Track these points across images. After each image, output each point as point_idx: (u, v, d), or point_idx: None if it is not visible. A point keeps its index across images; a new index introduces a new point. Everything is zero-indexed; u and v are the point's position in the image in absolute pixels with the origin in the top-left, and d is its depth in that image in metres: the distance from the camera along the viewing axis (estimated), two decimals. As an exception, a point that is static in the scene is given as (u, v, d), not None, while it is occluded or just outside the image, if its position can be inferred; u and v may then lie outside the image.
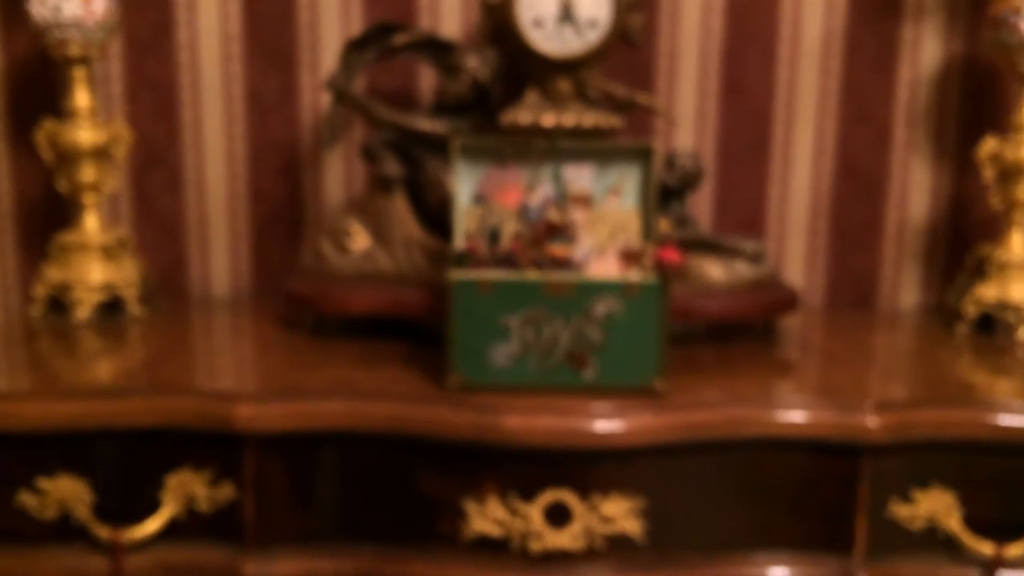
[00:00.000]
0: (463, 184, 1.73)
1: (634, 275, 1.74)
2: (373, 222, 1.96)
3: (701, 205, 2.25)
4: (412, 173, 1.95)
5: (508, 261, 1.79)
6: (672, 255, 1.71)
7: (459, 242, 1.84)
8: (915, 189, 2.25)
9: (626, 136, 1.87)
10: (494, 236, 1.84)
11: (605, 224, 1.93)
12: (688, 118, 2.23)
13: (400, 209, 1.96)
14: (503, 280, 1.70)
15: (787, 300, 2.11)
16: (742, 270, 2.07)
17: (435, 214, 1.89)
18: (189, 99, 2.22)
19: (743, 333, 2.13)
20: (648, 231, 1.89)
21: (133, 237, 2.18)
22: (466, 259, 1.74)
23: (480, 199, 1.75)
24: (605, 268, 1.78)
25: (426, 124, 1.92)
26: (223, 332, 2.05)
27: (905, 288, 2.29)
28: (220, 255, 2.30)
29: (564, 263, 1.77)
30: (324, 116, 2.10)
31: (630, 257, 1.81)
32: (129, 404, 1.47)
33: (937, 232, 2.26)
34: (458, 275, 1.69)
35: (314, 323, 1.92)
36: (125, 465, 1.53)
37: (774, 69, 2.20)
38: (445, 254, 1.69)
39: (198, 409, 1.46)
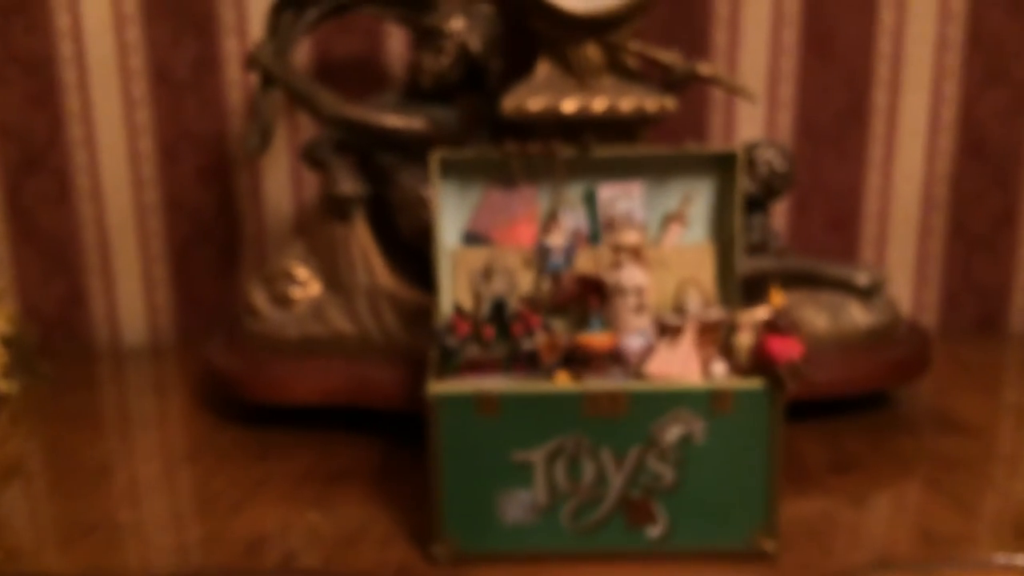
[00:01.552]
0: (448, 216, 1.31)
1: (721, 372, 1.15)
2: (324, 261, 1.51)
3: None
4: (378, 188, 1.49)
5: (524, 353, 1.18)
6: (788, 347, 1.05)
7: (443, 316, 1.24)
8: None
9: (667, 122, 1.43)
10: (499, 307, 1.17)
11: (667, 272, 1.32)
12: (757, 82, 1.84)
13: (360, 243, 1.48)
14: (517, 393, 1.10)
15: (918, 358, 1.54)
16: (855, 316, 1.54)
17: (414, 247, 1.43)
18: (73, 79, 1.80)
19: (858, 404, 1.56)
20: (729, 281, 1.30)
21: (6, 269, 1.88)
22: (454, 349, 1.09)
23: (475, 237, 1.32)
24: (675, 359, 1.12)
25: (393, 118, 1.44)
26: (118, 424, 1.57)
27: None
28: (130, 289, 1.91)
29: (603, 356, 1.11)
30: (250, 102, 1.71)
31: (709, 333, 1.13)
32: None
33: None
34: (441, 386, 1.09)
35: (248, 410, 1.48)
36: None
37: (874, 14, 1.80)
38: (428, 310, 1.27)
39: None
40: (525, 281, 1.33)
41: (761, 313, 1.15)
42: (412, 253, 1.42)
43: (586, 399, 1.11)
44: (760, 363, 1.13)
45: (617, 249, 1.23)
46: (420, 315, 1.38)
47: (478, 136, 1.48)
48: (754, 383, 1.12)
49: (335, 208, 1.47)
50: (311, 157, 1.50)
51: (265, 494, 1.28)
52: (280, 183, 1.87)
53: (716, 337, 1.23)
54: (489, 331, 1.16)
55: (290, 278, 1.51)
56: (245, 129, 1.60)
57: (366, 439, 1.43)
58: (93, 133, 1.82)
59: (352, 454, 1.38)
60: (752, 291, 1.44)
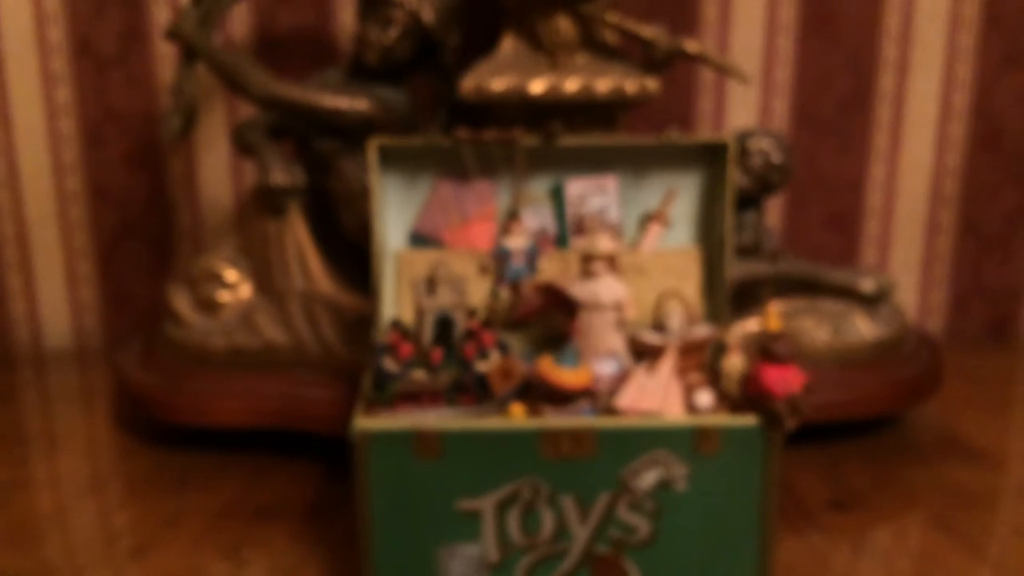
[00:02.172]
0: (391, 214, 1.18)
1: (707, 404, 0.98)
2: (256, 261, 1.36)
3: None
4: (317, 178, 1.34)
5: (473, 379, 1.01)
6: (787, 378, 0.89)
7: (381, 332, 1.09)
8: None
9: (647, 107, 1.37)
10: (444, 324, 1.03)
11: (645, 281, 1.16)
12: (751, 63, 1.69)
13: (296, 241, 1.33)
14: (463, 431, 0.93)
15: (928, 377, 1.38)
16: (860, 329, 1.37)
17: (358, 246, 1.28)
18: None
19: (859, 428, 1.40)
20: (718, 292, 1.14)
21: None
22: (391, 375, 0.96)
23: (422, 238, 1.18)
24: (653, 390, 0.94)
25: (334, 99, 1.29)
26: (20, 445, 1.39)
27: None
28: (52, 286, 1.77)
29: (570, 394, 0.92)
30: (172, 80, 1.43)
31: (693, 355, 0.95)
32: None
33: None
34: (371, 422, 0.93)
35: (166, 431, 1.36)
36: None
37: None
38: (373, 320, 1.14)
39: None
40: (480, 291, 1.17)
41: (752, 326, 0.97)
42: (356, 253, 1.28)
43: (545, 438, 0.93)
44: (753, 395, 0.95)
45: (588, 258, 1.04)
46: (364, 325, 1.24)
47: (432, 121, 1.34)
48: (746, 420, 0.94)
49: (267, 201, 1.33)
50: (241, 142, 1.38)
51: (176, 535, 1.13)
52: (217, 170, 1.74)
53: (701, 359, 1.06)
54: (436, 354, 0.97)
55: (217, 280, 1.37)
56: (166, 109, 1.40)
57: (300, 466, 1.29)
58: (8, 112, 1.70)
59: (283, 485, 1.25)
60: (743, 300, 1.29)
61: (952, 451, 1.35)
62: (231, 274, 1.37)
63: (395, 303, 1.17)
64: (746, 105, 1.71)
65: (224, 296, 1.37)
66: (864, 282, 1.39)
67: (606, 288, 1.05)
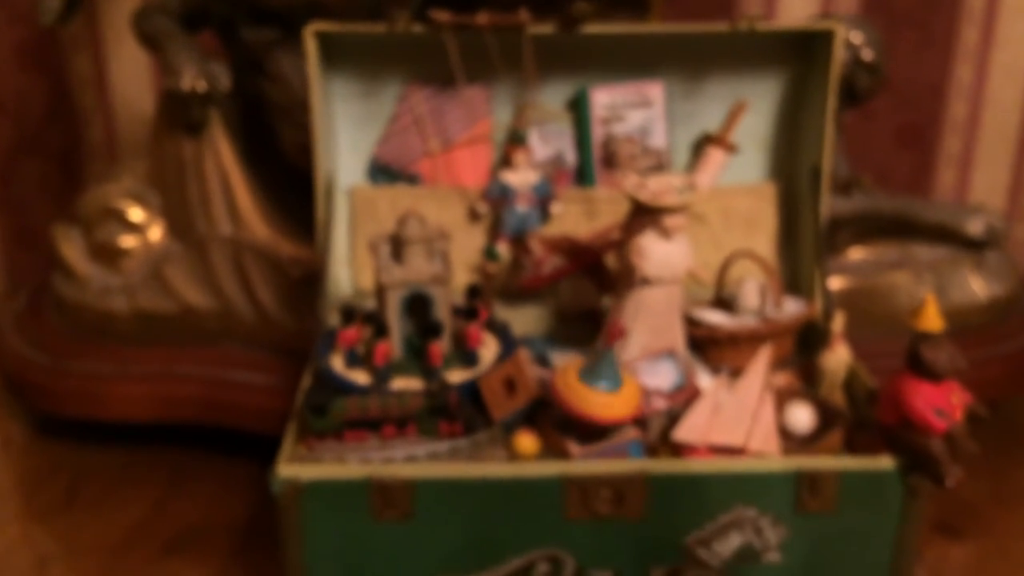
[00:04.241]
0: (342, 134, 0.98)
1: (806, 425, 0.74)
2: (169, 195, 1.16)
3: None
4: (248, 81, 1.14)
5: (459, 395, 0.72)
6: (946, 401, 0.65)
7: (323, 319, 0.87)
8: None
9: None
10: (418, 307, 0.77)
11: (704, 231, 0.93)
12: None
13: (220, 168, 1.13)
14: (443, 479, 0.67)
15: None
16: (969, 285, 1.13)
17: (306, 173, 1.01)
18: None
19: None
20: (804, 249, 0.93)
21: None
22: (337, 383, 0.73)
23: (386, 170, 0.98)
24: (733, 414, 0.70)
25: None
26: None
27: None
28: None
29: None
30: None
31: (775, 343, 0.76)
32: None
33: None
34: (304, 469, 0.68)
35: (55, 423, 1.16)
36: None
37: None
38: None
39: None
40: (469, 248, 0.95)
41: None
42: (303, 185, 1.04)
43: (571, 489, 0.67)
44: (893, 425, 0.67)
45: (657, 210, 0.73)
46: (312, 283, 0.99)
47: (400, 1, 1.05)
48: (877, 462, 0.68)
49: (179, 113, 1.13)
50: (143, 31, 1.15)
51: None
52: (133, 68, 1.53)
53: (785, 350, 0.80)
54: (380, 352, 0.70)
55: (118, 220, 1.16)
56: None
57: (229, 472, 1.10)
58: None
59: (205, 500, 1.06)
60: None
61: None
62: (136, 212, 1.17)
63: (349, 261, 0.97)
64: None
65: (127, 242, 1.17)
66: (971, 222, 1.17)
67: (680, 253, 0.74)
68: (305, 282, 1.07)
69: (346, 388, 0.71)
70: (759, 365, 0.69)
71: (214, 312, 1.13)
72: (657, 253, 0.74)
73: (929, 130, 1.59)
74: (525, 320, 0.91)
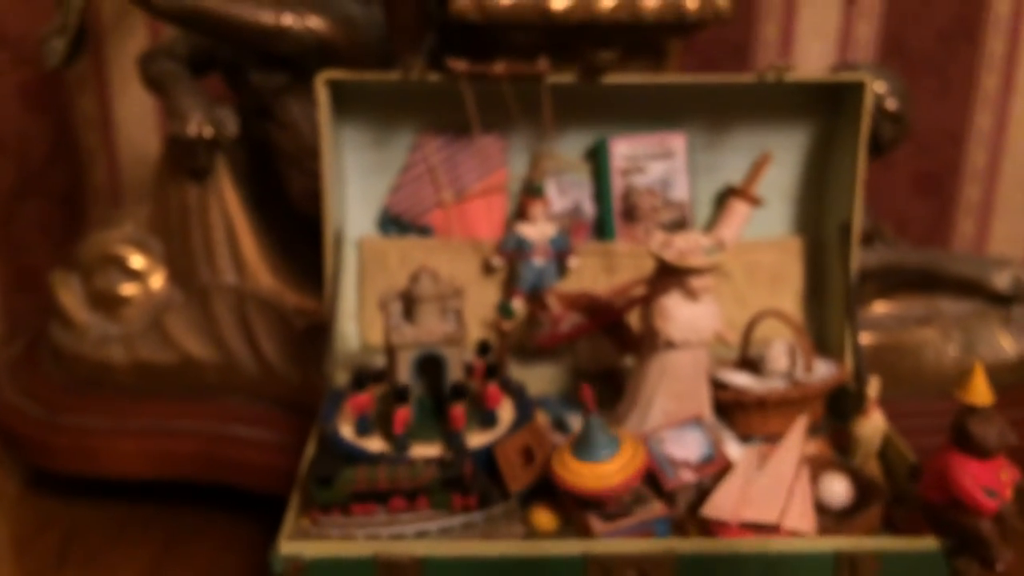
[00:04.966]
0: (351, 184, 0.95)
1: (842, 497, 0.69)
2: (171, 242, 1.13)
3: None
4: (256, 127, 1.11)
5: (474, 465, 0.68)
6: (994, 478, 0.61)
7: (334, 373, 0.85)
8: None
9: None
10: (430, 368, 0.73)
11: (727, 287, 0.88)
12: None
13: (225, 215, 1.10)
14: (456, 558, 0.62)
15: None
16: (999, 343, 1.09)
17: (314, 222, 1.00)
18: None
19: None
20: (833, 306, 0.90)
21: None
22: (346, 450, 0.68)
23: (398, 222, 0.95)
24: (766, 490, 0.66)
25: (274, 12, 1.02)
26: None
27: None
28: None
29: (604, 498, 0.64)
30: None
31: (805, 407, 0.71)
32: None
33: None
34: (307, 545, 0.63)
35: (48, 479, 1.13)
36: None
37: None
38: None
39: None
40: (483, 303, 0.91)
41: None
42: (310, 234, 1.03)
43: (593, 569, 0.62)
44: (938, 504, 0.63)
45: (683, 271, 0.70)
46: (319, 336, 0.95)
47: (415, 48, 1.07)
48: (923, 544, 0.63)
49: (183, 159, 1.09)
50: (149, 75, 1.13)
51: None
52: (138, 110, 1.52)
53: (817, 415, 0.76)
54: (400, 417, 0.66)
55: (118, 267, 1.13)
56: (45, 29, 1.16)
57: (230, 529, 1.05)
58: None
59: (204, 559, 1.00)
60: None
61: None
62: (137, 259, 1.14)
63: (357, 315, 0.94)
64: (822, 32, 1.49)
65: (127, 289, 1.14)
66: (997, 276, 1.15)
67: (708, 315, 0.70)
68: (310, 334, 1.04)
69: (355, 456, 0.67)
70: (795, 435, 0.65)
71: (216, 364, 1.10)
72: (683, 315, 0.70)
73: (948, 178, 1.57)
74: (541, 379, 0.87)
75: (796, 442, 0.65)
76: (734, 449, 0.70)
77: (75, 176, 1.58)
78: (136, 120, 1.55)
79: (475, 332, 0.88)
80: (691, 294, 0.70)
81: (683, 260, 0.69)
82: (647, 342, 0.72)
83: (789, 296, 0.90)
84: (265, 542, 0.97)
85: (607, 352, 0.82)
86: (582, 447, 0.64)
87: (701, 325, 0.70)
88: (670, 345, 0.70)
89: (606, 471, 0.64)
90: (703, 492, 0.67)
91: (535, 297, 0.88)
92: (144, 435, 1.05)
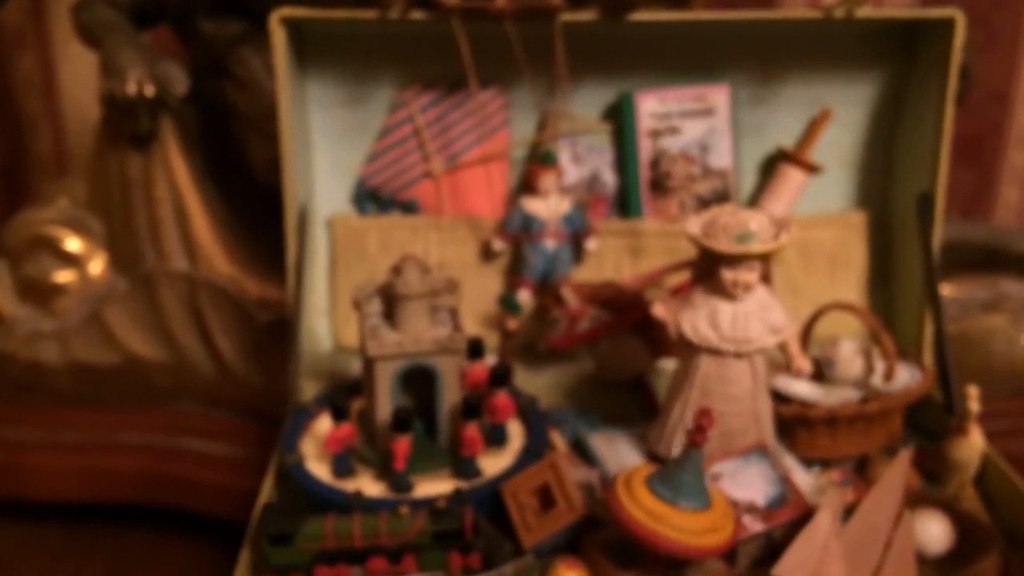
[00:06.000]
0: (319, 152, 0.86)
1: (941, 543, 0.54)
2: (112, 221, 1.03)
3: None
4: (210, 85, 1.03)
5: (476, 513, 0.53)
6: None
7: (296, 379, 0.73)
8: None
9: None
10: (418, 382, 0.59)
11: (777, 271, 0.78)
12: None
13: (174, 189, 1.00)
14: None
15: None
16: None
17: (278, 195, 0.90)
18: None
19: None
20: (906, 298, 0.79)
21: None
22: (311, 491, 0.53)
23: (377, 197, 0.86)
24: (855, 539, 0.53)
25: None
26: None
27: None
28: None
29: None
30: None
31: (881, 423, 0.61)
32: None
33: None
34: None
35: None
36: None
37: None
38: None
39: None
40: (482, 296, 0.81)
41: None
42: (274, 210, 0.92)
43: None
44: None
45: (727, 259, 0.56)
46: (284, 331, 0.87)
47: None
48: None
49: (121, 122, 0.99)
50: (82, 22, 1.01)
51: None
52: (86, 70, 1.38)
53: (894, 428, 0.63)
54: (401, 448, 0.55)
55: (51, 250, 1.05)
56: None
57: (185, 551, 0.98)
58: None
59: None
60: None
61: None
62: (72, 242, 1.06)
63: (329, 309, 0.86)
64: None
65: (62, 277, 1.05)
66: None
67: (761, 316, 0.55)
68: (275, 329, 0.93)
69: (324, 502, 0.53)
70: (896, 471, 0.52)
71: (164, 365, 1.02)
72: (723, 319, 0.57)
73: (990, 142, 1.51)
74: (552, 388, 0.76)
75: (898, 481, 0.51)
76: (801, 479, 0.57)
77: (16, 146, 1.51)
78: (83, 82, 1.46)
79: (471, 330, 0.75)
80: (721, 290, 0.56)
81: (733, 248, 0.55)
82: (687, 346, 0.58)
83: (851, 282, 0.80)
84: (225, 571, 0.86)
85: (634, 354, 0.71)
86: (672, 488, 0.50)
87: (751, 327, 0.56)
88: (716, 352, 0.56)
89: (702, 525, 0.50)
90: (772, 544, 0.53)
91: (546, 288, 0.79)
92: (81, 450, 0.98)
